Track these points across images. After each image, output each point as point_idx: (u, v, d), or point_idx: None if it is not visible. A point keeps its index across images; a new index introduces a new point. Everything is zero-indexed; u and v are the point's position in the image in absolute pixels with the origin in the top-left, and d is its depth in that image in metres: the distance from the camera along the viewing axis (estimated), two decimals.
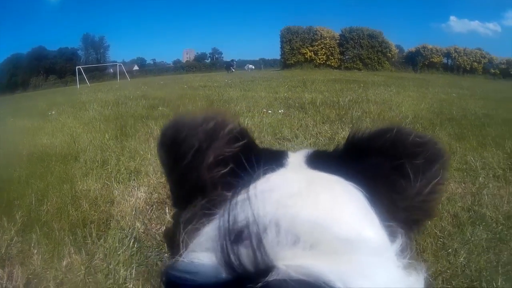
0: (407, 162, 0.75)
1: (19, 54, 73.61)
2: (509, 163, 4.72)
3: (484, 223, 3.09)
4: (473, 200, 3.52)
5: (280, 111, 8.19)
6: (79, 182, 3.91)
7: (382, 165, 0.78)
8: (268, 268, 0.54)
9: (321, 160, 0.89)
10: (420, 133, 0.80)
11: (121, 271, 2.40)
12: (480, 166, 4.50)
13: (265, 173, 0.76)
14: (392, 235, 0.68)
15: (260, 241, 0.57)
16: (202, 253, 0.62)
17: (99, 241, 2.75)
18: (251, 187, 0.70)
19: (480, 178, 4.10)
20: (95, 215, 3.19)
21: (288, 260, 0.55)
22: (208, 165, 0.82)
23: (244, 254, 0.56)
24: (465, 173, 4.22)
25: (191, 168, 0.84)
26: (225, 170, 0.82)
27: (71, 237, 2.78)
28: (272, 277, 0.53)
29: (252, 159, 0.81)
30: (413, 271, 0.64)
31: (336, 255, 0.56)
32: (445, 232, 2.96)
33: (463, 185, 3.93)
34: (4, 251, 2.74)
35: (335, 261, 0.55)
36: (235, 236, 0.59)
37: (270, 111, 8.12)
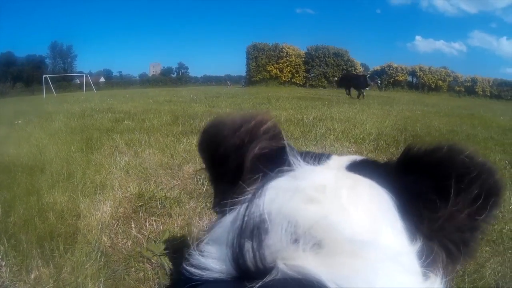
0: (449, 184, 0.73)
1: None
2: None
3: None
4: None
5: None
6: (46, 195, 3.87)
7: (425, 181, 0.76)
8: (267, 268, 0.61)
9: (364, 166, 0.91)
10: (475, 156, 0.77)
11: (89, 285, 2.40)
12: None
13: (293, 171, 0.81)
14: (413, 244, 0.69)
15: (262, 239, 0.64)
16: (212, 247, 0.70)
17: (66, 254, 2.73)
18: (273, 183, 0.76)
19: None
20: (62, 228, 3.17)
21: (289, 260, 0.61)
22: (243, 161, 0.89)
23: (246, 252, 0.63)
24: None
25: (229, 164, 0.91)
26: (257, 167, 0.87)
27: (38, 250, 2.76)
28: (270, 276, 0.59)
29: (287, 157, 0.86)
30: (429, 277, 0.68)
31: (339, 256, 0.61)
32: None
33: None
34: None
35: (336, 262, 0.60)
36: (242, 232, 0.66)
37: None
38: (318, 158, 0.93)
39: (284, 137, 1.02)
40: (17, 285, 2.46)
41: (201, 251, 0.69)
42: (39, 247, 2.82)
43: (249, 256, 0.62)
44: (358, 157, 0.99)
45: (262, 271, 0.60)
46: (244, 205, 0.71)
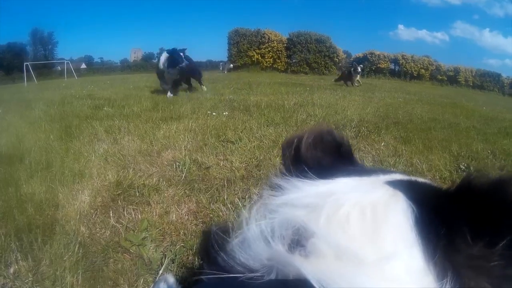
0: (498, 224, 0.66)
1: None
2: (456, 165, 4.89)
3: None
4: None
5: (224, 113, 8.22)
6: (24, 185, 3.83)
7: (476, 215, 0.68)
8: (263, 268, 0.65)
9: (416, 185, 0.91)
10: None
11: (68, 278, 2.38)
12: (426, 168, 4.64)
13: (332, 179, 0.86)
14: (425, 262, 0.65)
15: (262, 242, 0.69)
16: (235, 248, 0.73)
17: (45, 246, 2.71)
18: (298, 190, 0.81)
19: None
20: (40, 219, 3.14)
21: (284, 262, 0.64)
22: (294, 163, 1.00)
23: (249, 253, 0.69)
24: (411, 175, 4.24)
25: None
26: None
27: (17, 243, 2.74)
28: (266, 277, 0.64)
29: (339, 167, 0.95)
30: None
31: (328, 260, 0.64)
32: None
33: None
34: None
35: (323, 265, 0.62)
36: (251, 235, 0.72)
37: (214, 113, 8.16)
38: (367, 171, 0.99)
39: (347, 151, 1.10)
40: None
41: (230, 252, 0.73)
42: (18, 240, 2.80)
43: (246, 257, 0.68)
44: (418, 178, 0.99)
45: (258, 271, 0.65)
46: (256, 211, 0.78)
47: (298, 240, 0.67)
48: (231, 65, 41.48)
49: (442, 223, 0.69)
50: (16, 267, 2.52)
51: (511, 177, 0.69)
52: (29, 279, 2.40)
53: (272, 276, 0.64)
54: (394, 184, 0.83)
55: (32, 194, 3.64)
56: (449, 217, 0.70)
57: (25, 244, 2.75)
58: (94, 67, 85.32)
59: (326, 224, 0.68)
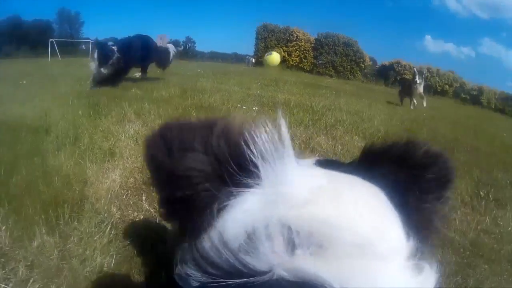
0: (413, 174, 0.81)
1: None
2: (476, 191, 4.86)
3: (453, 247, 3.22)
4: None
5: (254, 108, 8.18)
6: (51, 157, 3.76)
7: (391, 174, 0.80)
8: (264, 270, 0.63)
9: (333, 166, 0.91)
10: (432, 147, 0.85)
11: (98, 259, 2.28)
12: None
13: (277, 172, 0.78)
14: (407, 238, 0.70)
15: (260, 244, 0.65)
16: (219, 252, 0.69)
17: (72, 223, 2.61)
18: (263, 184, 0.75)
19: (449, 202, 4.12)
20: (68, 194, 3.03)
21: (287, 265, 0.62)
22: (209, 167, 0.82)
23: (247, 255, 0.65)
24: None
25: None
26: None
27: (42, 216, 2.62)
28: (267, 278, 0.62)
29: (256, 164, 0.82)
30: (423, 272, 0.67)
31: (341, 257, 0.62)
32: None
33: None
34: None
35: (337, 263, 0.62)
36: (240, 237, 0.68)
37: (244, 107, 8.13)
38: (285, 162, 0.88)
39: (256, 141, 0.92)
40: (17, 252, 2.32)
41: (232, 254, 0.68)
42: (43, 213, 2.68)
43: (245, 260, 0.65)
44: (321, 158, 1.02)
45: (258, 273, 0.63)
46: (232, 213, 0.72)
47: (299, 240, 0.65)
48: (252, 59, 41.84)
49: (394, 192, 0.77)
50: (40, 241, 2.41)
51: (409, 139, 0.86)
52: (55, 255, 2.30)
53: (275, 277, 0.63)
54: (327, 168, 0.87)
55: (59, 166, 3.55)
56: (394, 185, 0.79)
57: (50, 218, 2.64)
58: None
59: (328, 223, 0.67)
